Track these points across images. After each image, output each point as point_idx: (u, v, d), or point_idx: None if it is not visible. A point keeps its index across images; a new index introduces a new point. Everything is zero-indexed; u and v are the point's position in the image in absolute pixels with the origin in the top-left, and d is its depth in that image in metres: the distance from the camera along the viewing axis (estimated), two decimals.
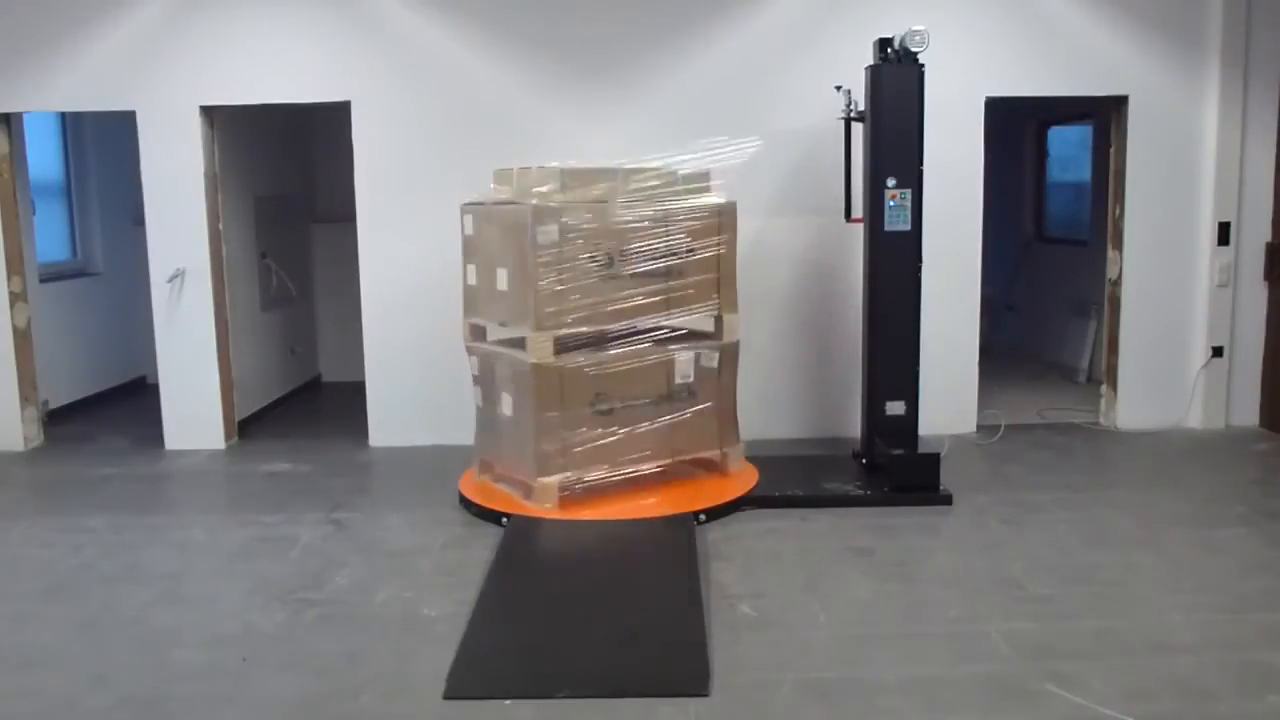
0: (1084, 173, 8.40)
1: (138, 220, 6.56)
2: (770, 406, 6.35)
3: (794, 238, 6.29)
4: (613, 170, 5.09)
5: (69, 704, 3.31)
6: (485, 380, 5.31)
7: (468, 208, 5.34)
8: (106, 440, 6.70)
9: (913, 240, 5.29)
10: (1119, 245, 6.47)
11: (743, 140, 5.46)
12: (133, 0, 6.09)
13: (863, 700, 3.25)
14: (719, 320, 5.38)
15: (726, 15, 6.17)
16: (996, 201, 6.85)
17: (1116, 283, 6.52)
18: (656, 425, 5.15)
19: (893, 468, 5.23)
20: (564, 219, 4.87)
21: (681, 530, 4.70)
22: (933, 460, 5.23)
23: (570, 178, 4.99)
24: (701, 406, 5.29)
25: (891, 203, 5.26)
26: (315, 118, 7.92)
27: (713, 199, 5.30)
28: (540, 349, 4.85)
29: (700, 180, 5.31)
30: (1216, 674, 3.40)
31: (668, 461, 5.25)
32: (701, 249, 5.23)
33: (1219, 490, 5.38)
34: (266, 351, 7.45)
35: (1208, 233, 6.38)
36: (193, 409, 6.40)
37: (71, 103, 6.38)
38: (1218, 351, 6.46)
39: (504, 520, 4.88)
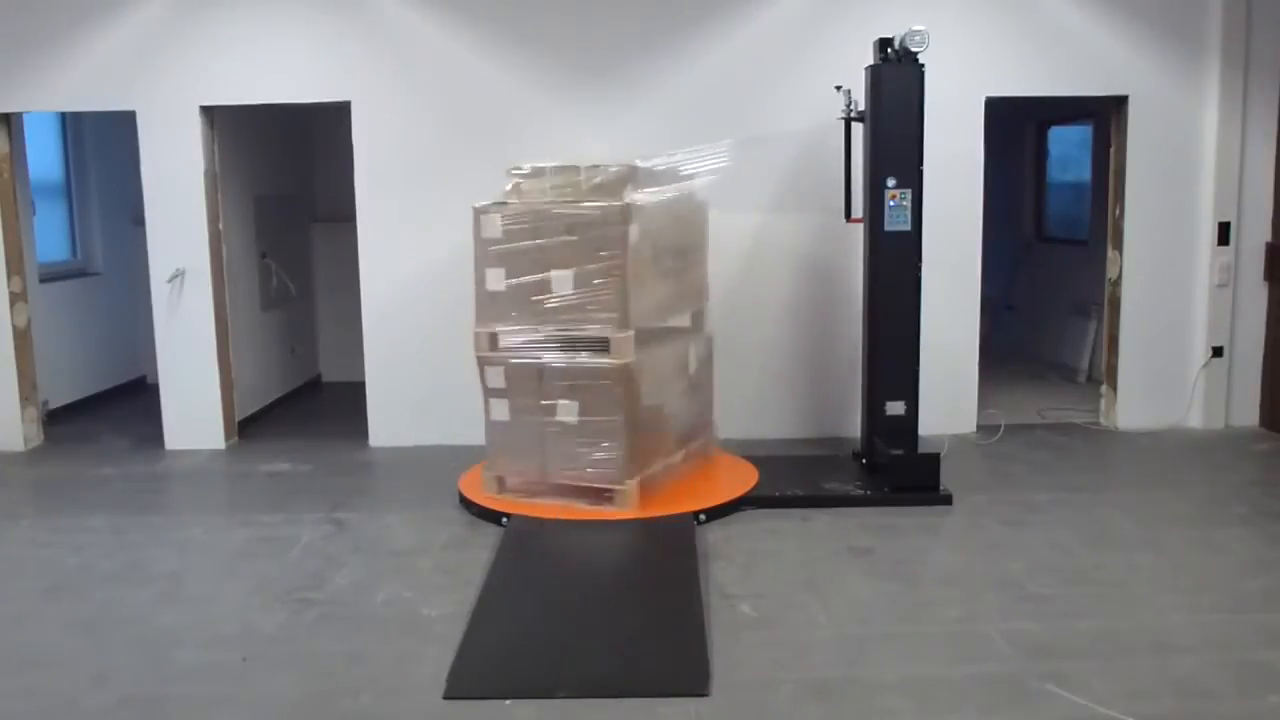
0: (1084, 173, 8.41)
1: (138, 220, 6.56)
2: (770, 406, 6.35)
3: (794, 238, 6.29)
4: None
5: (69, 704, 3.31)
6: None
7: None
8: (106, 440, 6.70)
9: (913, 240, 5.29)
10: (1119, 245, 6.47)
11: (716, 146, 5.45)
12: (133, 0, 6.10)
13: (863, 700, 3.25)
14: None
15: (727, 15, 6.17)
16: (996, 201, 6.84)
17: (1116, 283, 6.52)
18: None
19: (893, 468, 5.23)
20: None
21: (681, 530, 4.70)
22: (933, 460, 5.23)
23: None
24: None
25: (891, 203, 5.26)
26: (315, 118, 7.91)
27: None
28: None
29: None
30: (1216, 674, 3.40)
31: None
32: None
33: (1219, 490, 5.38)
34: (266, 351, 7.45)
35: (1208, 233, 6.38)
36: (193, 409, 6.40)
37: (71, 103, 6.38)
38: (1218, 351, 6.46)
39: (504, 520, 4.88)
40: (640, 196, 4.97)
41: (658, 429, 5.14)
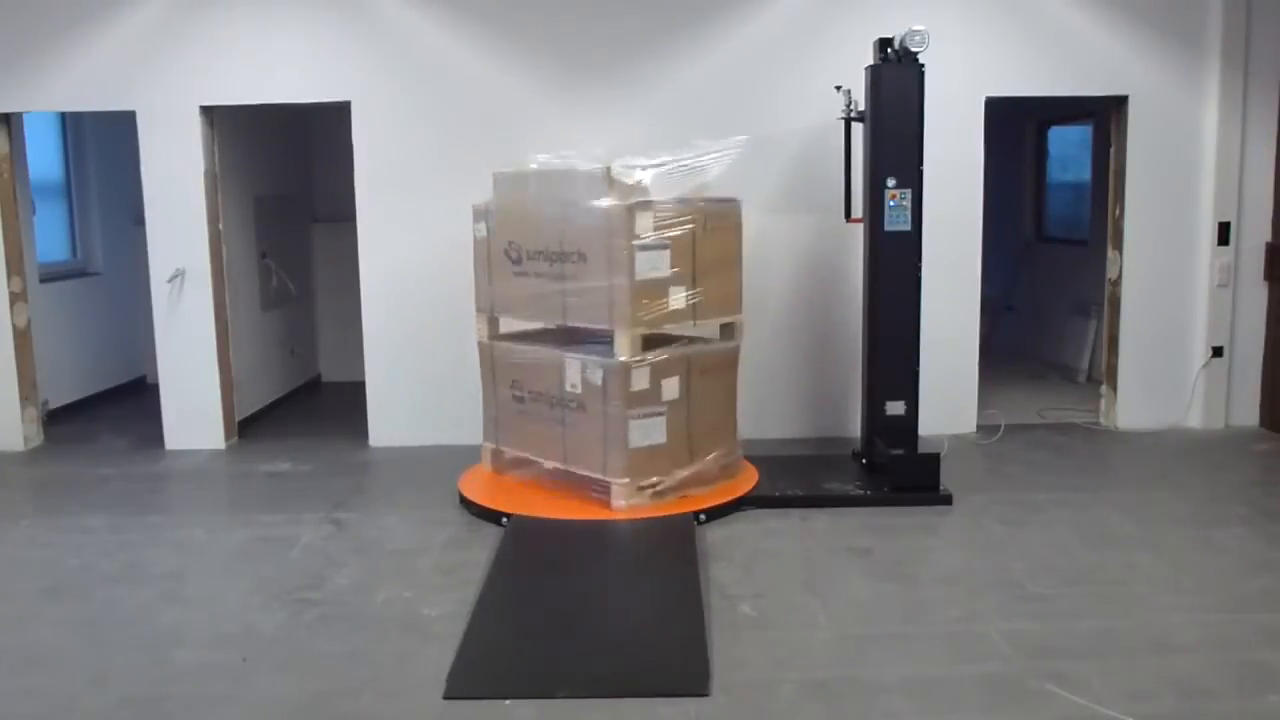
0: (1084, 173, 8.40)
1: (138, 220, 6.56)
2: (770, 406, 6.35)
3: (794, 237, 6.29)
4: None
5: (69, 704, 3.31)
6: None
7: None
8: (106, 440, 6.70)
9: (913, 240, 5.29)
10: (1119, 245, 6.47)
11: (727, 143, 5.43)
12: (133, 0, 6.10)
13: (863, 700, 3.25)
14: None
15: (727, 15, 6.17)
16: (996, 201, 6.85)
17: (1116, 283, 6.52)
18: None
19: (893, 468, 5.23)
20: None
21: (681, 530, 4.70)
22: (933, 460, 5.23)
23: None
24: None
25: (891, 203, 5.26)
26: (315, 118, 7.91)
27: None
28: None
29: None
30: (1216, 674, 3.40)
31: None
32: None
33: (1219, 490, 5.38)
34: (266, 351, 7.45)
35: (1208, 233, 6.38)
36: (193, 409, 6.40)
37: (71, 103, 6.38)
38: (1218, 351, 6.46)
39: (504, 520, 4.88)
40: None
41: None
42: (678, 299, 4.99)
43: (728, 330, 5.38)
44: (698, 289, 5.06)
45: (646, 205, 4.90)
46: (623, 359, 4.84)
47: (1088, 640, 3.63)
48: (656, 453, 4.99)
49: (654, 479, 4.98)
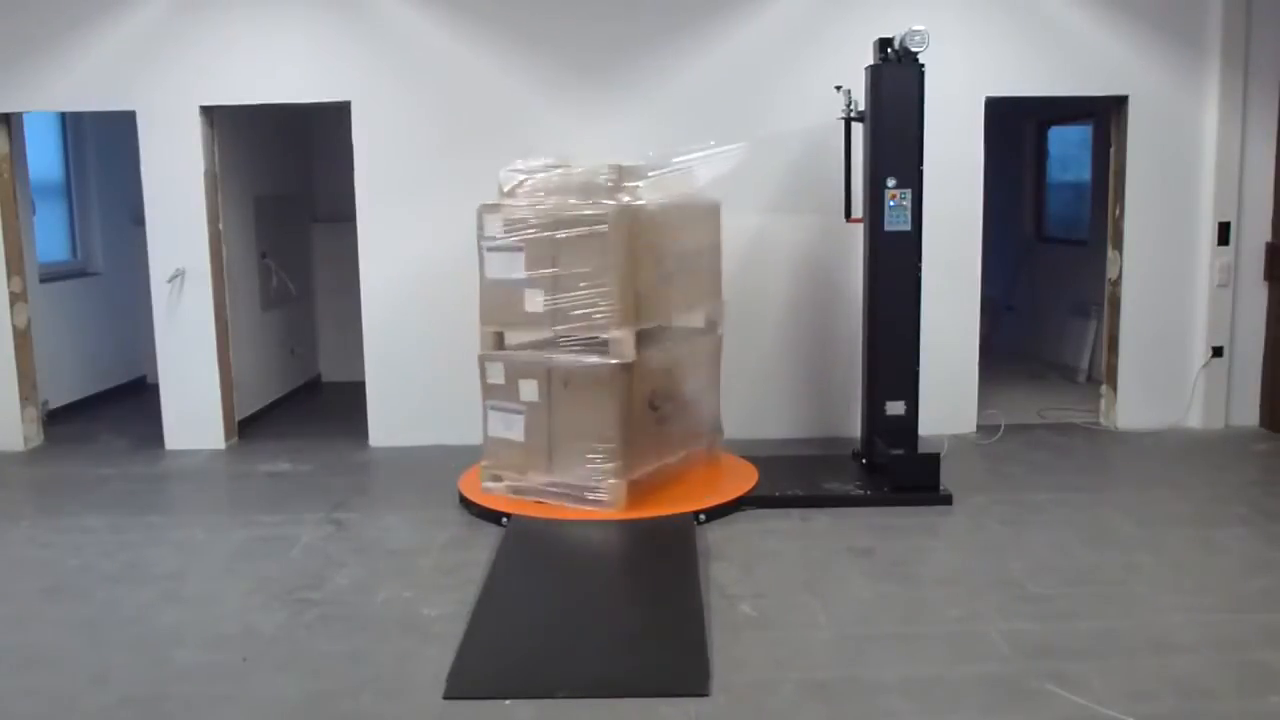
0: (1084, 173, 8.40)
1: (138, 220, 6.56)
2: (770, 406, 6.35)
3: (794, 237, 6.29)
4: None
5: (69, 704, 3.31)
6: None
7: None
8: (106, 440, 6.70)
9: (913, 240, 5.29)
10: (1119, 245, 6.47)
11: (728, 145, 5.43)
12: (133, 1, 6.10)
13: (863, 700, 3.25)
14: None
15: (728, 15, 6.17)
16: (996, 201, 6.85)
17: (1116, 283, 6.52)
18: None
19: (893, 468, 5.23)
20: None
21: (681, 530, 4.70)
22: (933, 460, 5.23)
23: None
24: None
25: (891, 203, 5.26)
26: (315, 118, 7.91)
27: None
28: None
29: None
30: (1216, 674, 3.40)
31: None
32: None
33: (1219, 490, 5.38)
34: (266, 351, 7.45)
35: (1208, 233, 6.38)
36: (193, 409, 6.40)
37: (71, 103, 6.38)
38: (1218, 351, 6.46)
39: (504, 520, 4.88)
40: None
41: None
42: (534, 303, 4.99)
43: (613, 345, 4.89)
44: (562, 294, 4.93)
45: (495, 208, 5.02)
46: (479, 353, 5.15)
47: (1088, 640, 3.63)
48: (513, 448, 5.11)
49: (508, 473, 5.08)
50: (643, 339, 5.00)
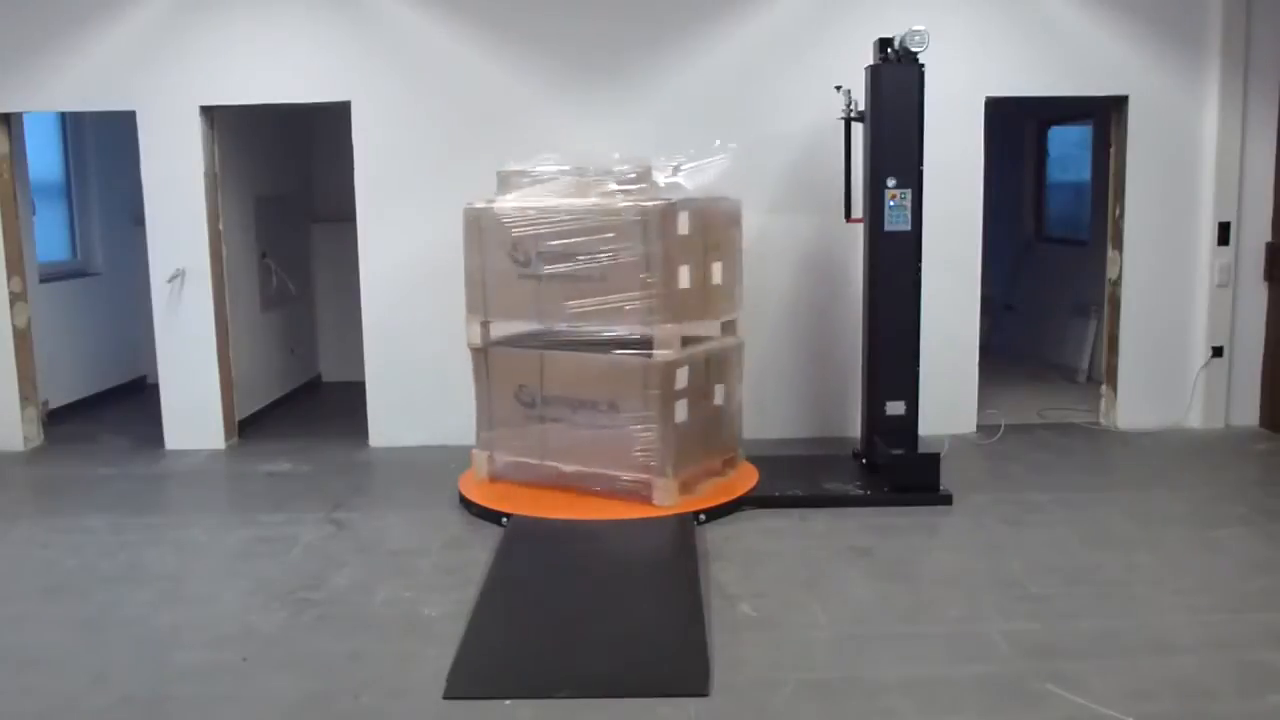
0: (1084, 173, 8.40)
1: (138, 220, 6.55)
2: (770, 406, 6.35)
3: (794, 237, 6.29)
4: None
5: (69, 704, 3.31)
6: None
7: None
8: (106, 440, 6.70)
9: (913, 240, 5.29)
10: (1119, 245, 6.46)
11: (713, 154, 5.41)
12: (133, 0, 6.10)
13: (863, 700, 3.25)
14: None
15: (728, 15, 6.17)
16: (996, 201, 6.85)
17: (1116, 283, 6.52)
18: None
19: (893, 468, 5.23)
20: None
21: (681, 530, 4.70)
22: (933, 460, 5.23)
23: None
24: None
25: (891, 203, 5.26)
26: (315, 118, 7.91)
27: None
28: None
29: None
30: (1216, 674, 3.40)
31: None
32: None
33: (1219, 490, 5.38)
34: (266, 351, 7.45)
35: (1208, 233, 6.38)
36: (193, 409, 6.40)
37: (71, 103, 6.38)
38: (1218, 351, 6.46)
39: (504, 520, 4.88)
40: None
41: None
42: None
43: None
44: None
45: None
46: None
47: (1088, 640, 3.63)
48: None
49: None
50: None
